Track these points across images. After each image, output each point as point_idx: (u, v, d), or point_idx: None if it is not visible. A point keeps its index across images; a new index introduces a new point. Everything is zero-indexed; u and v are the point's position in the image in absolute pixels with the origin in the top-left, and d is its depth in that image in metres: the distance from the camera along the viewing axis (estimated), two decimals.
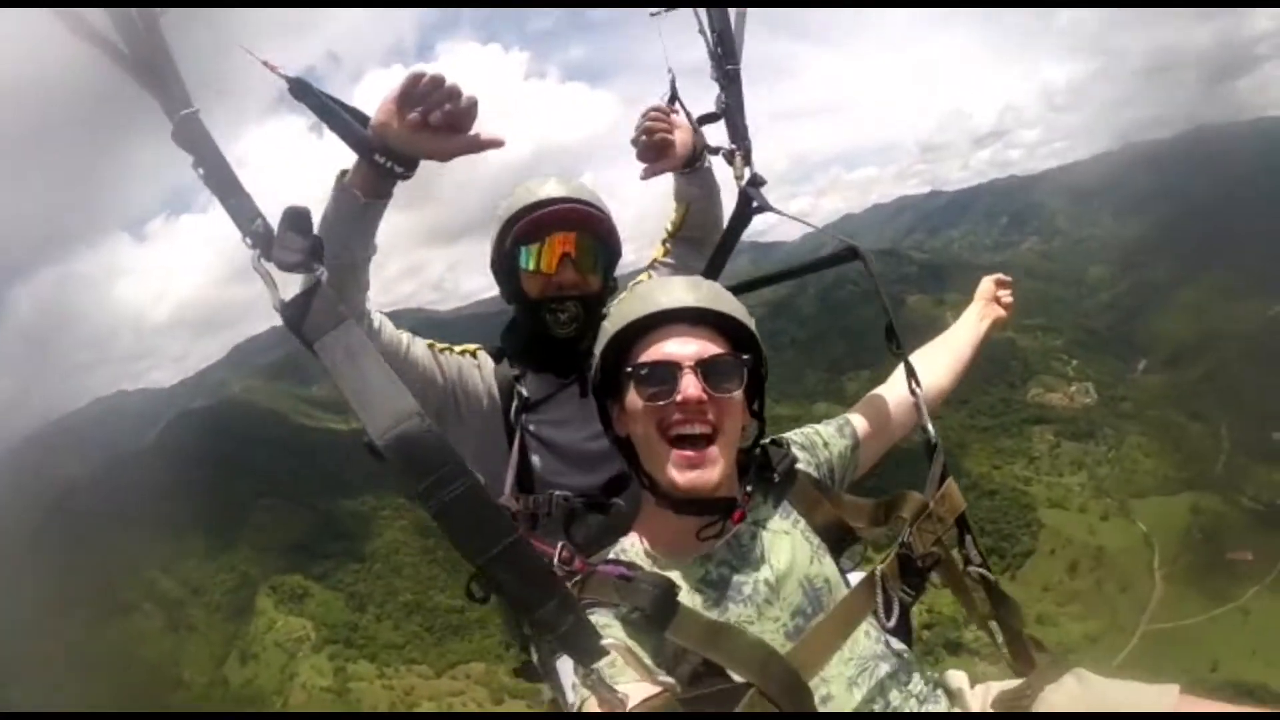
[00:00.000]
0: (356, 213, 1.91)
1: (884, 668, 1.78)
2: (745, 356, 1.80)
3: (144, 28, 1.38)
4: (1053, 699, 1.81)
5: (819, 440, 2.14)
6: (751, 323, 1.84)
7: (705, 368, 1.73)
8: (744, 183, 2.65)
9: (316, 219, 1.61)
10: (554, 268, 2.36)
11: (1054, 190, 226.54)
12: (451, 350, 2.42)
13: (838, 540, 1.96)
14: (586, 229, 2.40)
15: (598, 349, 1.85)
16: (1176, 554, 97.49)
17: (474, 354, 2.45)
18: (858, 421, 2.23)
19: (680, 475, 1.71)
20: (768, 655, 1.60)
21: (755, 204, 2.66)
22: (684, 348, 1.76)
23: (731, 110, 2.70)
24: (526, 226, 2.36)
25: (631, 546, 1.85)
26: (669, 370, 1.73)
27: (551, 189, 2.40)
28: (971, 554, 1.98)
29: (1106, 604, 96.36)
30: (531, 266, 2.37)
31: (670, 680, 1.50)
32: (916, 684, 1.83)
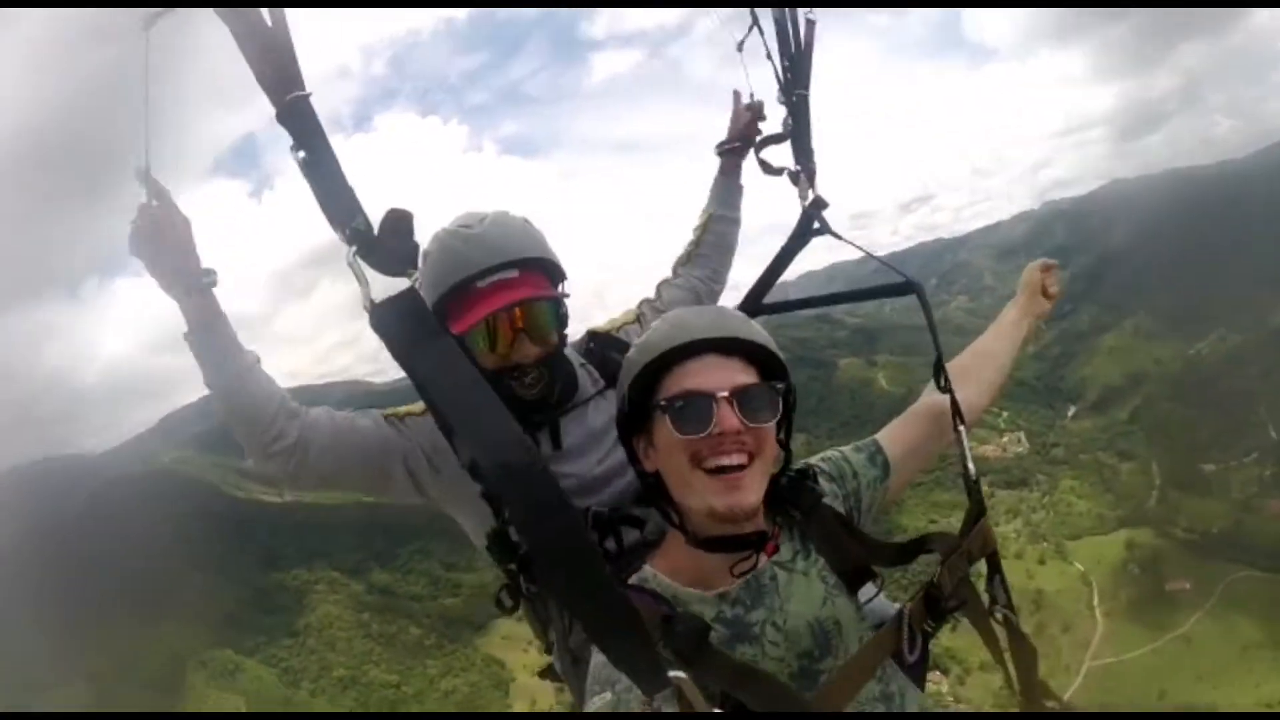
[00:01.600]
0: (199, 347, 2.12)
1: (880, 708, 1.79)
2: (779, 385, 1.79)
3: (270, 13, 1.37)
4: None
5: (848, 469, 2.10)
6: (776, 348, 1.83)
7: (740, 398, 1.70)
8: (808, 204, 2.76)
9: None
10: (509, 349, 2.29)
11: (979, 249, 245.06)
12: (412, 414, 2.41)
13: (855, 579, 1.92)
14: (533, 292, 2.31)
15: (624, 382, 1.83)
16: (1115, 590, 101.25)
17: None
18: (890, 448, 2.17)
19: (719, 499, 1.69)
20: (792, 700, 1.63)
21: (816, 225, 2.76)
22: (717, 378, 1.72)
23: (798, 132, 2.81)
24: (463, 309, 2.27)
25: (653, 578, 1.84)
26: (704, 402, 1.69)
27: (483, 250, 2.28)
28: (998, 594, 1.96)
29: (1049, 645, 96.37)
30: (482, 348, 2.28)
31: (716, 711, 1.49)
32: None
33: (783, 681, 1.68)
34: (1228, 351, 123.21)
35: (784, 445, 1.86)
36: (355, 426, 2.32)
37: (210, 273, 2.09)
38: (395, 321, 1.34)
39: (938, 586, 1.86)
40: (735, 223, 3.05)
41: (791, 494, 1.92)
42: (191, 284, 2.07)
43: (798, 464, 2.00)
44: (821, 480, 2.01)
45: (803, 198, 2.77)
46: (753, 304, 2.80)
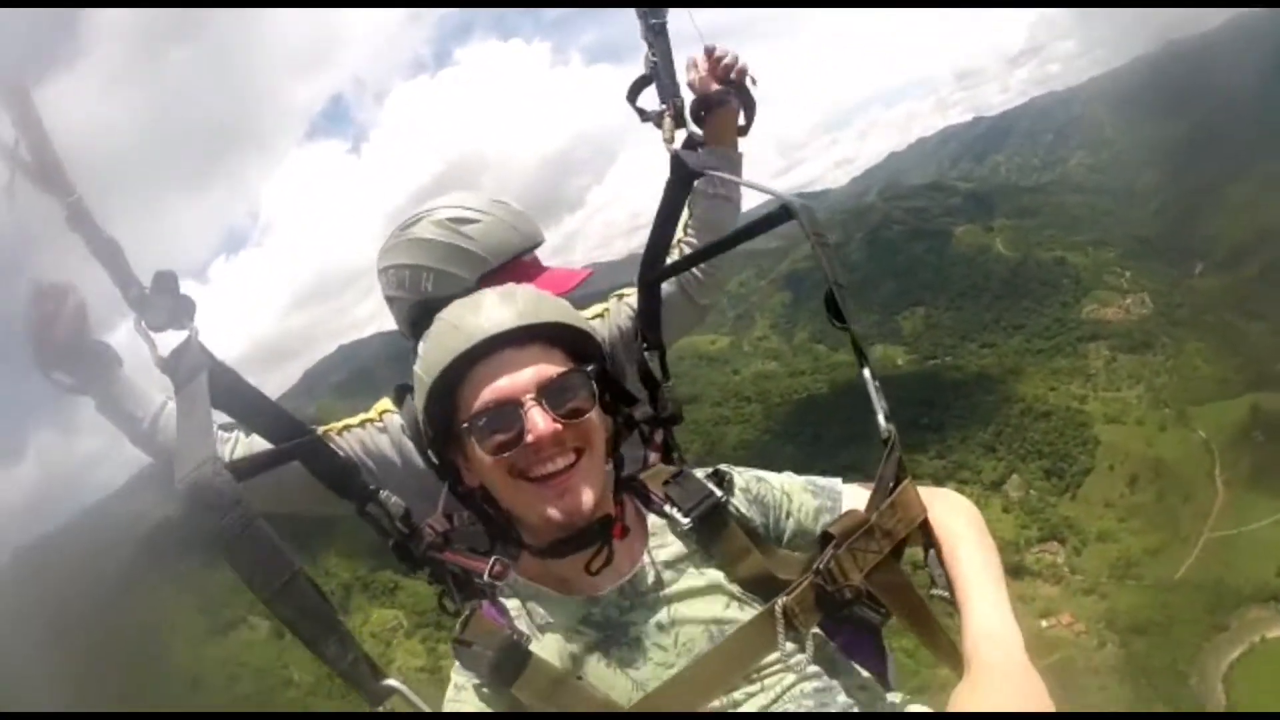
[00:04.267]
0: (112, 417, 2.13)
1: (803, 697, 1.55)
2: (589, 367, 1.61)
3: (34, 136, 1.49)
4: None
5: (780, 502, 1.82)
6: (582, 321, 1.65)
7: (548, 394, 1.53)
8: (677, 147, 2.43)
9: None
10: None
11: (1097, 100, 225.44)
12: (350, 426, 2.38)
13: (768, 593, 1.63)
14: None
15: (419, 404, 1.63)
16: (1238, 458, 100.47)
17: (380, 415, 2.41)
18: (850, 493, 1.84)
19: (552, 507, 1.53)
20: (612, 713, 1.48)
21: (692, 166, 2.33)
22: (518, 378, 1.53)
23: (660, 68, 2.51)
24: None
25: (516, 580, 1.68)
26: (509, 410, 1.52)
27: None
28: (935, 574, 1.62)
29: (1168, 516, 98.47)
30: None
31: None
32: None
33: (596, 693, 1.49)
34: None
35: (609, 411, 1.70)
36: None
37: (106, 348, 2.06)
38: (174, 370, 1.57)
39: (826, 574, 1.52)
40: (724, 199, 2.66)
41: (681, 494, 1.73)
42: (94, 374, 2.05)
43: (717, 468, 1.81)
44: (737, 493, 1.78)
45: (668, 141, 2.45)
46: (650, 272, 2.36)
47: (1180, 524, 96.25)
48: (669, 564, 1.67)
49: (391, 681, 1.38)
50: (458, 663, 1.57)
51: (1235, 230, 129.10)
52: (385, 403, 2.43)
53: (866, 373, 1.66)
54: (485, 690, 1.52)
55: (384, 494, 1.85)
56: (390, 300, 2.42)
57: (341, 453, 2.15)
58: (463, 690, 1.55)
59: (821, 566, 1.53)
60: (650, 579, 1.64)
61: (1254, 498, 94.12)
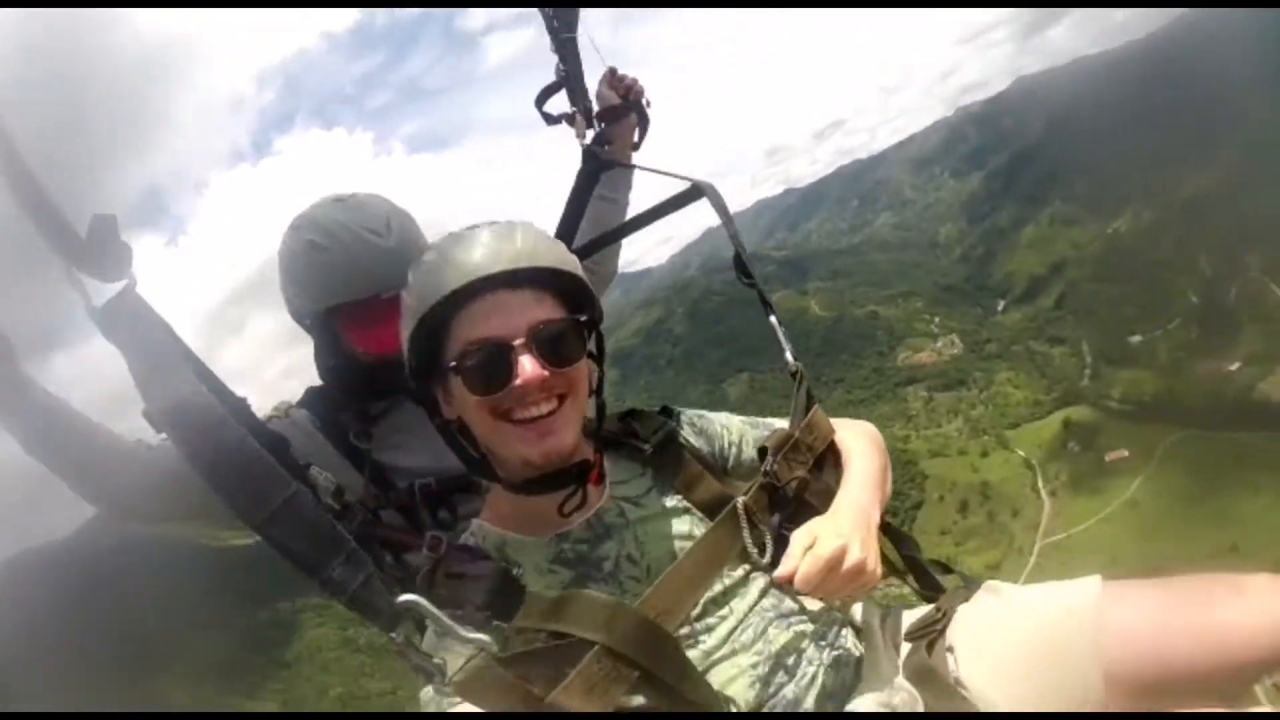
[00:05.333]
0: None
1: (768, 610, 1.59)
2: (583, 317, 1.57)
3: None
4: (969, 618, 1.65)
5: (722, 433, 1.85)
6: (577, 268, 1.60)
7: (539, 339, 1.47)
8: (587, 142, 2.72)
9: None
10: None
11: (898, 165, 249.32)
12: (272, 417, 2.22)
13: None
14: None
15: (405, 334, 1.56)
16: (1057, 470, 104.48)
17: (286, 413, 2.28)
18: (780, 425, 1.92)
19: (533, 449, 1.50)
20: (614, 609, 1.45)
21: (604, 159, 2.67)
22: (510, 320, 1.48)
23: (570, 76, 2.77)
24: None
25: (479, 529, 1.67)
26: (498, 352, 1.47)
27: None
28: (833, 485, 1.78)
29: (1001, 532, 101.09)
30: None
31: (483, 638, 1.32)
32: (812, 633, 1.61)
33: (598, 596, 1.50)
34: (1143, 227, 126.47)
35: (597, 360, 1.65)
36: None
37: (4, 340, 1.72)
38: (122, 320, 1.34)
39: (773, 475, 1.68)
40: (613, 202, 2.85)
41: (640, 425, 1.76)
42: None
43: (663, 406, 1.84)
44: (685, 426, 1.80)
45: (580, 137, 2.73)
46: None
47: (1014, 537, 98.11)
48: (631, 497, 1.68)
49: (408, 596, 1.28)
50: (429, 605, 1.35)
51: (1030, 267, 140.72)
52: (284, 404, 2.32)
53: (773, 319, 1.97)
54: (475, 627, 1.37)
55: (314, 469, 1.79)
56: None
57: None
58: (445, 636, 1.40)
59: (769, 468, 1.68)
60: (615, 512, 1.64)
61: (1078, 502, 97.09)
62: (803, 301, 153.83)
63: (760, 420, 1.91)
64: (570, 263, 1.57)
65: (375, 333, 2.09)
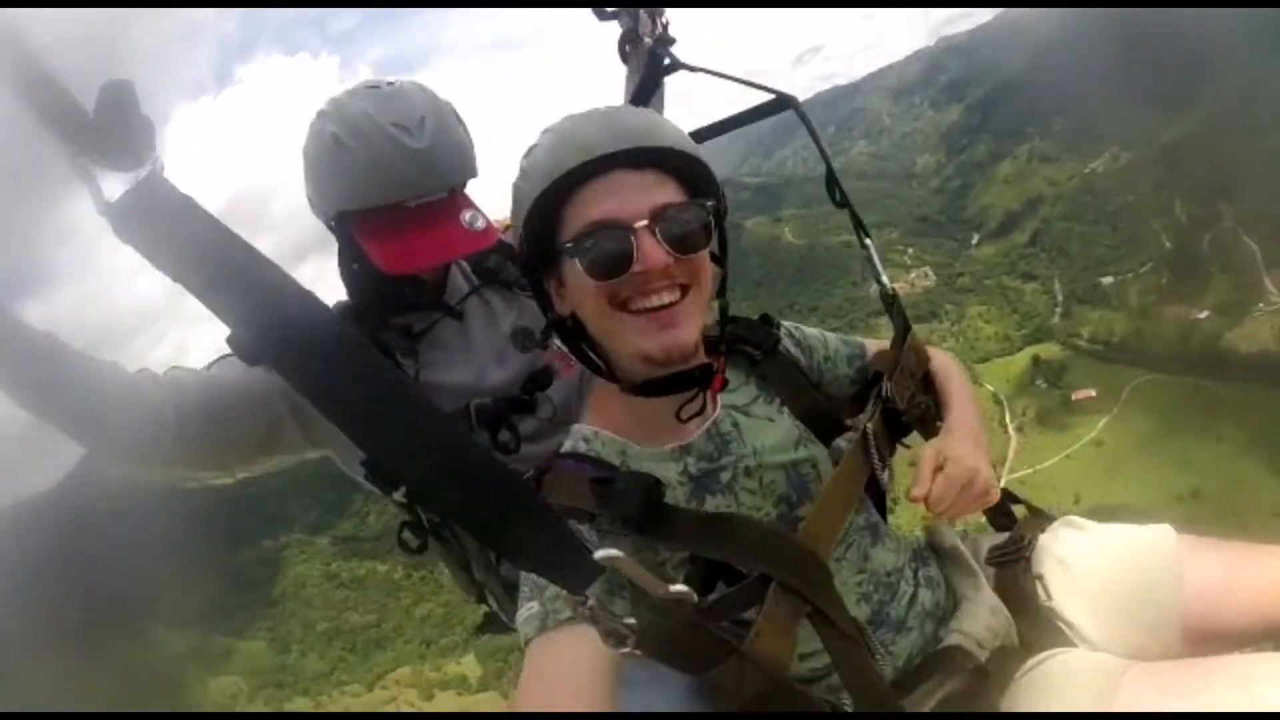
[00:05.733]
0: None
1: (864, 530, 1.64)
2: (709, 202, 1.48)
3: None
4: (1054, 549, 1.75)
5: (820, 347, 1.85)
6: (701, 154, 1.51)
7: (662, 223, 1.40)
8: (653, 40, 2.54)
9: None
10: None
11: (876, 92, 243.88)
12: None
13: (825, 430, 1.72)
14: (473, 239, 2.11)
15: (518, 220, 1.49)
16: (1025, 407, 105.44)
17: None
18: (871, 345, 1.95)
19: (652, 341, 1.42)
20: (781, 541, 1.42)
21: (668, 62, 2.51)
22: (632, 202, 1.40)
23: None
24: (389, 236, 2.03)
25: (594, 436, 1.57)
26: (619, 235, 1.39)
27: (423, 173, 1.98)
28: (932, 408, 1.85)
29: None
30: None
31: (684, 589, 1.19)
32: (903, 553, 1.69)
33: (760, 521, 1.51)
34: (1120, 169, 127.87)
35: (721, 265, 1.57)
36: (220, 377, 1.88)
37: None
38: (149, 215, 1.07)
39: (891, 399, 1.71)
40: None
41: (748, 331, 1.73)
42: None
43: (763, 314, 1.83)
44: (784, 337, 1.80)
45: (648, 34, 2.53)
46: None
47: None
48: (740, 405, 1.66)
49: (607, 551, 1.10)
50: (629, 560, 1.20)
51: (1006, 202, 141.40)
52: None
53: (869, 242, 1.99)
54: (613, 543, 1.20)
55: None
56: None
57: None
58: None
59: (887, 394, 1.71)
60: (729, 422, 1.62)
61: (1043, 439, 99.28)
62: (776, 229, 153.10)
63: (848, 338, 1.94)
64: (693, 147, 1.49)
65: (395, 246, 1.93)
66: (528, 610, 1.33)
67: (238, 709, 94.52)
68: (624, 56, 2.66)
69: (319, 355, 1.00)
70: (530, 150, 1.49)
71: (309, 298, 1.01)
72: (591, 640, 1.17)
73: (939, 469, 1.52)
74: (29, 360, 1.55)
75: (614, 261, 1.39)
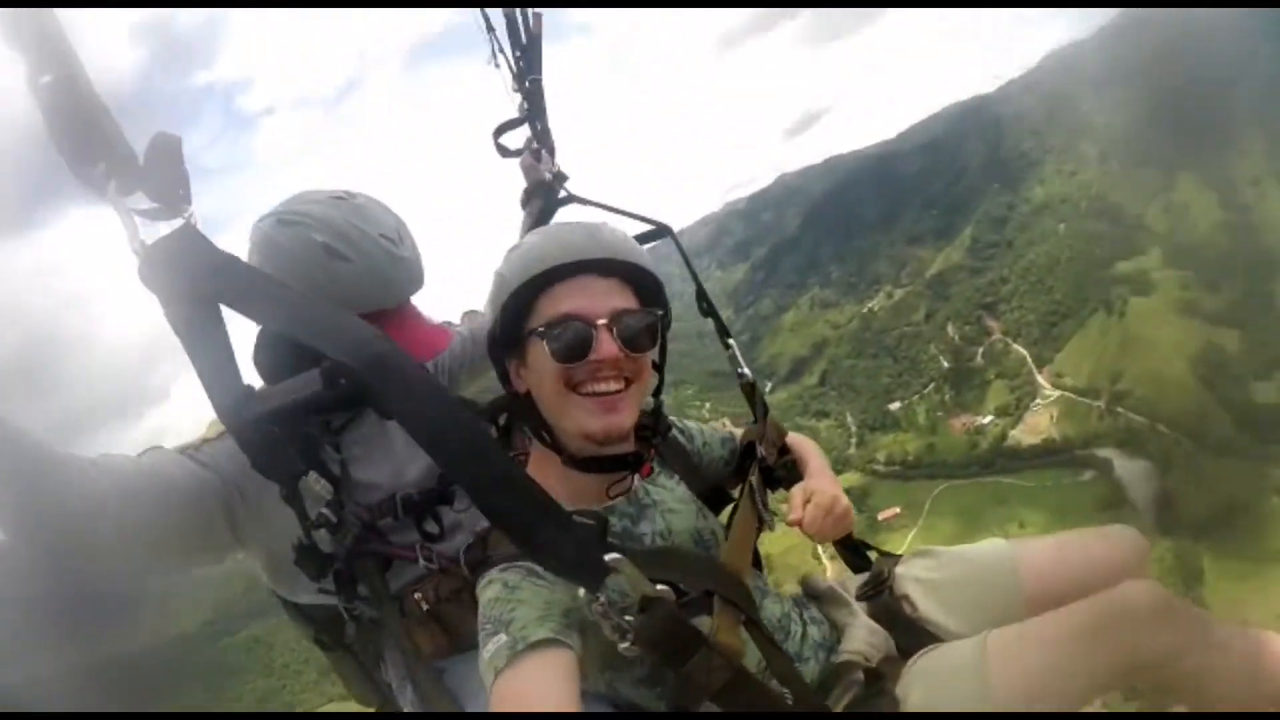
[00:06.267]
0: None
1: (758, 595, 1.84)
2: (660, 312, 1.75)
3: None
4: (913, 572, 2.11)
5: (697, 434, 2.15)
6: (656, 270, 1.77)
7: (619, 324, 1.64)
8: (551, 178, 2.96)
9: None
10: None
11: (665, 257, 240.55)
12: (208, 440, 2.04)
13: (713, 504, 2.05)
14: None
15: (496, 302, 1.72)
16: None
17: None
18: (741, 434, 2.24)
19: (596, 421, 1.65)
20: (716, 566, 1.71)
21: (562, 195, 2.93)
22: (596, 302, 1.64)
23: (534, 115, 3.06)
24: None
25: None
26: (583, 328, 1.63)
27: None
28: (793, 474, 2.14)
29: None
30: None
31: (665, 589, 1.42)
32: (785, 602, 1.96)
33: (697, 551, 1.79)
34: (894, 304, 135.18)
35: (658, 370, 1.85)
36: (157, 465, 1.85)
37: None
38: (183, 259, 1.19)
39: (765, 461, 2.06)
40: None
41: (648, 418, 1.91)
42: None
43: (655, 405, 2.00)
44: (672, 425, 2.06)
45: (548, 172, 2.97)
46: None
47: None
48: (654, 481, 1.90)
49: (615, 555, 1.33)
50: (510, 568, 1.56)
51: (794, 349, 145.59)
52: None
53: (731, 343, 2.34)
54: (551, 580, 1.53)
55: (311, 476, 1.77)
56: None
57: (212, 472, 1.91)
58: (521, 587, 1.53)
59: (761, 455, 2.07)
60: (644, 492, 1.85)
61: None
62: None
63: (716, 427, 2.25)
64: (652, 266, 1.74)
65: None
66: (495, 644, 1.43)
67: None
68: (524, 204, 3.06)
69: (406, 388, 1.19)
70: (517, 245, 1.74)
71: (379, 336, 1.20)
72: (560, 661, 1.39)
73: (807, 501, 1.84)
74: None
75: (576, 349, 1.61)
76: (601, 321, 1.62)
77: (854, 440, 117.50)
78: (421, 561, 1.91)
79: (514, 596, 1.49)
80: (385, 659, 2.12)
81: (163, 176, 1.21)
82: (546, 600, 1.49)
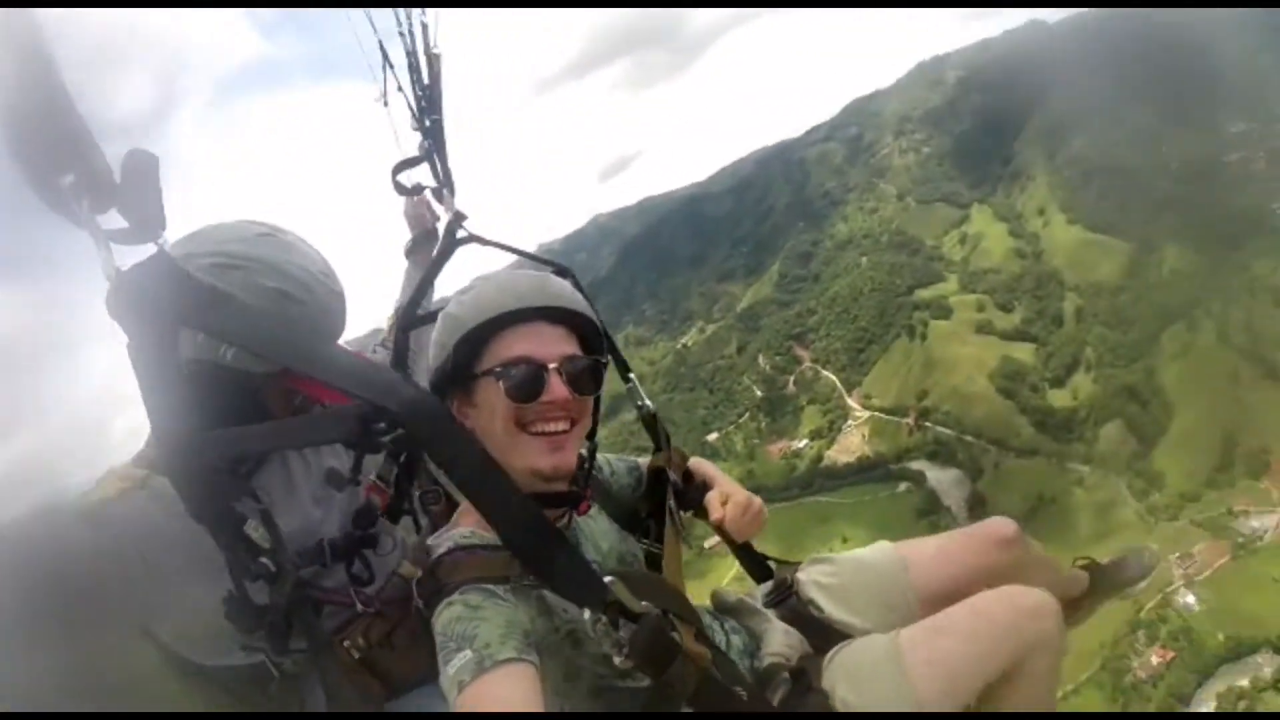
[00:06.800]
0: None
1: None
2: (602, 360, 1.91)
3: None
4: (814, 577, 2.31)
5: (604, 464, 2.32)
6: (600, 320, 1.95)
7: (568, 369, 1.78)
8: (450, 217, 2.90)
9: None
10: None
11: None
12: (106, 499, 1.94)
13: (628, 525, 2.23)
14: None
15: (449, 341, 1.80)
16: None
17: (144, 481, 1.99)
18: (648, 462, 2.40)
19: (545, 459, 1.76)
20: (666, 584, 1.88)
21: (460, 235, 2.81)
22: (547, 347, 1.77)
23: (435, 154, 3.05)
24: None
25: (473, 534, 1.78)
26: (535, 370, 1.74)
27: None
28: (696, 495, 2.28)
29: None
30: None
31: (650, 605, 1.55)
32: (705, 616, 2.06)
33: (650, 574, 2.01)
34: (707, 339, 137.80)
35: (594, 414, 1.94)
36: (52, 547, 1.78)
37: None
38: (162, 291, 1.16)
39: (676, 484, 2.22)
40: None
41: (588, 459, 2.01)
42: None
43: None
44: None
45: (447, 210, 2.96)
46: (408, 318, 2.63)
47: None
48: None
49: (613, 577, 1.50)
50: (470, 590, 1.61)
51: (611, 386, 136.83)
52: (136, 465, 2.01)
53: (631, 377, 2.48)
54: (515, 598, 1.63)
55: (250, 523, 1.62)
56: None
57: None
58: (484, 606, 1.58)
59: (673, 479, 2.23)
60: (577, 525, 1.99)
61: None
62: None
63: (623, 456, 2.43)
64: (595, 316, 1.90)
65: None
66: (460, 659, 1.48)
67: None
68: (409, 252, 3.17)
69: (450, 435, 1.27)
70: (469, 288, 1.85)
71: (410, 382, 1.33)
72: (525, 675, 1.46)
73: (724, 502, 2.11)
74: None
75: (530, 389, 1.72)
76: (553, 365, 1.74)
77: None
78: (359, 604, 1.93)
79: (477, 615, 1.54)
80: (308, 709, 2.07)
81: (139, 196, 1.15)
82: (509, 619, 1.55)
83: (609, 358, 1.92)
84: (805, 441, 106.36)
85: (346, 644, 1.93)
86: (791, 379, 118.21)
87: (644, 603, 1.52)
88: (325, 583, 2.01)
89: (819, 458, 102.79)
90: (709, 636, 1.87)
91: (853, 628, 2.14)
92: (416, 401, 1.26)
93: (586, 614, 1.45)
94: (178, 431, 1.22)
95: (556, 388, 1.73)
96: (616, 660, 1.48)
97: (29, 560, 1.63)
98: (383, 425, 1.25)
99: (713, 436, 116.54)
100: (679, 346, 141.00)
